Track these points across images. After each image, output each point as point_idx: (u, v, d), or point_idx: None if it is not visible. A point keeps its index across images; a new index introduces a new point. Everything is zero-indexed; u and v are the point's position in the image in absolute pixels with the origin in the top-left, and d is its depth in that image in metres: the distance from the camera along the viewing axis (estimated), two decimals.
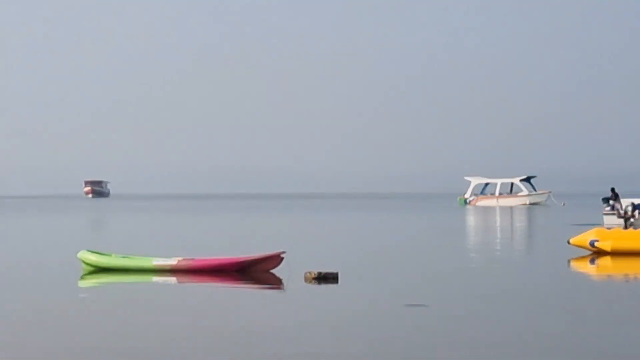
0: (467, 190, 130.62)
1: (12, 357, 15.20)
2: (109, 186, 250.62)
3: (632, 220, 52.49)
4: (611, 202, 57.04)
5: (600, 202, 62.57)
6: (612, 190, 57.48)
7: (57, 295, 25.01)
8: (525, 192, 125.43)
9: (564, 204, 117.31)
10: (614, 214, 56.87)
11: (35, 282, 28.70)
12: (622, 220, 53.53)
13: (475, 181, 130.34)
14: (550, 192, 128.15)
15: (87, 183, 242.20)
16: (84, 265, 30.81)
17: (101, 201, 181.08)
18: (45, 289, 26.42)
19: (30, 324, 19.35)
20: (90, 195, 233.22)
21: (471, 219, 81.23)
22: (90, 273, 29.77)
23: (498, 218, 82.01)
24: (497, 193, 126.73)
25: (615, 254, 36.37)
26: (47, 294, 25.37)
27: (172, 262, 29.93)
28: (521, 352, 15.64)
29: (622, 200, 57.15)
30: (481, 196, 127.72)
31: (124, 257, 31.09)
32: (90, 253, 31.33)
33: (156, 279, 28.21)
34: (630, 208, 55.54)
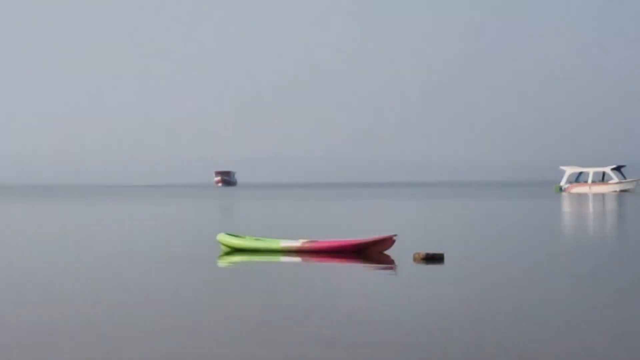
0: (562, 178, 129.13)
1: (166, 316, 16.02)
2: (236, 176, 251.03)
3: None
4: None
5: None
6: None
7: (201, 272, 25.83)
8: (615, 180, 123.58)
9: None
10: None
11: (181, 260, 29.52)
12: None
13: (570, 170, 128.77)
14: (639, 179, 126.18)
15: (217, 173, 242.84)
16: (222, 247, 31.55)
17: (230, 189, 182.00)
18: (191, 266, 27.20)
19: (180, 292, 20.30)
20: (220, 185, 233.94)
21: (568, 204, 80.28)
22: (227, 253, 30.43)
23: (591, 204, 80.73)
24: (589, 181, 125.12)
25: None
26: (193, 270, 26.25)
27: (297, 243, 30.46)
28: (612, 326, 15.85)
29: None
30: (575, 184, 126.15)
31: (256, 239, 31.72)
32: (227, 236, 32.11)
33: (284, 258, 28.68)
34: None
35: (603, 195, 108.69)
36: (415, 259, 27.20)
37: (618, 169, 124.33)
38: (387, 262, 27.38)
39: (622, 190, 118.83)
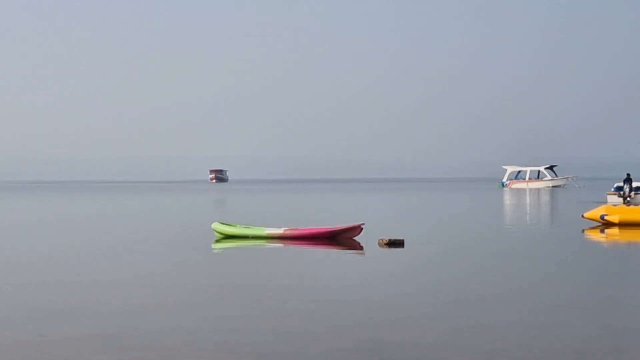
0: (504, 176, 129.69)
1: (171, 299, 16.31)
2: (227, 174, 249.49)
3: (629, 199, 51.98)
4: (625, 185, 56.17)
5: (612, 185, 61.85)
6: (628, 175, 56.71)
7: (195, 253, 26.18)
8: (548, 177, 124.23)
9: (579, 187, 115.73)
10: (615, 194, 56.34)
11: (182, 244, 29.81)
12: (621, 199, 53.06)
13: (510, 169, 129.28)
14: (570, 177, 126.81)
15: (211, 171, 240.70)
16: (216, 233, 31.72)
17: (222, 185, 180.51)
18: (190, 250, 27.40)
19: (183, 270, 20.61)
20: (214, 181, 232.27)
21: (509, 197, 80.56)
22: (220, 239, 30.56)
23: (528, 197, 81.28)
24: (527, 178, 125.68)
25: (621, 225, 36.48)
26: (189, 252, 26.52)
27: (279, 231, 30.66)
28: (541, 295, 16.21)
29: (633, 183, 56.37)
30: (515, 180, 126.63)
31: (245, 227, 31.91)
32: (220, 224, 32.34)
33: (268, 243, 28.83)
34: (627, 190, 55.05)
35: (538, 190, 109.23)
36: (379, 244, 27.33)
37: (551, 168, 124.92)
38: (356, 246, 27.54)
39: (554, 186, 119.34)
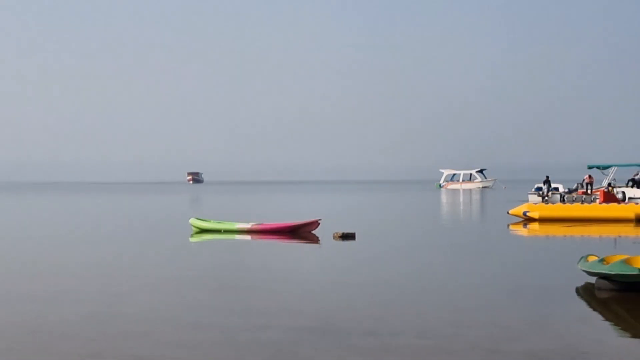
0: (441, 178, 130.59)
1: (151, 282, 16.20)
2: (203, 175, 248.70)
3: (547, 198, 52.48)
4: (543, 186, 56.77)
5: (533, 186, 62.48)
6: (547, 177, 57.27)
7: (176, 246, 25.93)
8: (479, 179, 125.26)
9: (505, 188, 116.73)
10: (535, 193, 56.89)
11: (163, 237, 29.82)
12: (540, 198, 53.59)
13: (446, 172, 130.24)
14: (495, 179, 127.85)
15: (189, 174, 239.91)
16: (192, 228, 31.62)
17: (198, 186, 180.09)
18: (169, 242, 27.29)
19: (160, 261, 20.40)
20: (190, 182, 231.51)
21: (445, 197, 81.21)
22: (197, 233, 30.39)
23: (461, 197, 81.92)
24: (460, 180, 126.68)
25: (541, 220, 36.83)
26: (170, 244, 26.34)
27: (248, 225, 30.65)
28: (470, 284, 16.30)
29: (551, 185, 57.02)
30: (451, 182, 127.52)
31: (218, 222, 31.85)
32: (196, 219, 32.29)
33: (238, 236, 28.77)
34: (545, 190, 55.65)
35: (470, 190, 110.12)
36: (334, 237, 27.37)
37: (481, 171, 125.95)
38: (314, 239, 27.51)
39: (483, 187, 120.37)
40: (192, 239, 28.32)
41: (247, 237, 28.60)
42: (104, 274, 17.96)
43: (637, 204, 38.65)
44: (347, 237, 27.37)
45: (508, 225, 34.71)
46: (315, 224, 30.49)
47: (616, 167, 58.06)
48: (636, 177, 54.69)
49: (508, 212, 39.69)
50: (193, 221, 32.34)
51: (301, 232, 29.70)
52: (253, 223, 31.10)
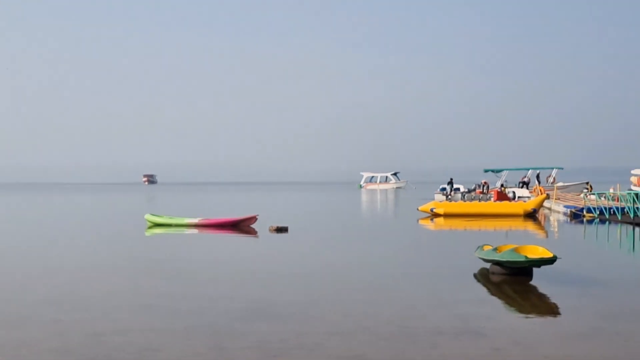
0: (362, 180, 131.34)
1: (111, 270, 15.98)
2: (157, 177, 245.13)
3: (450, 197, 53.18)
4: (447, 187, 57.46)
5: (439, 187, 63.28)
6: (451, 179, 58.04)
7: (133, 238, 25.58)
8: (394, 181, 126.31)
9: (415, 188, 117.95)
10: (440, 193, 57.61)
11: (120, 231, 29.26)
12: (444, 197, 54.28)
13: (366, 174, 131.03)
14: (407, 181, 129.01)
15: (144, 176, 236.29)
16: (147, 223, 31.28)
17: (153, 187, 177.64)
18: (126, 235, 26.89)
19: (119, 252, 20.11)
20: (146, 183, 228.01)
21: (365, 196, 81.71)
22: (151, 227, 30.05)
23: (379, 196, 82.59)
24: (378, 181, 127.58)
25: (445, 215, 37.36)
26: (127, 237, 25.95)
27: (195, 220, 30.45)
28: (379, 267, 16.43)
29: (454, 185, 57.78)
30: (370, 183, 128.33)
31: (170, 217, 31.62)
32: (151, 215, 32.04)
33: (187, 230, 28.53)
34: (449, 190, 56.43)
35: (386, 190, 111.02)
36: (269, 230, 27.43)
37: (395, 174, 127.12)
38: (252, 232, 27.45)
39: (397, 187, 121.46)
40: (147, 232, 27.99)
41: (195, 230, 28.37)
42: (67, 263, 17.67)
43: (525, 202, 39.47)
44: (281, 230, 27.43)
45: (418, 220, 35.07)
46: (253, 218, 30.49)
47: (507, 171, 59.33)
48: (524, 180, 55.91)
49: (418, 209, 40.23)
50: (148, 217, 32.11)
51: (241, 226, 29.64)
52: (200, 218, 30.95)
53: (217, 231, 28.03)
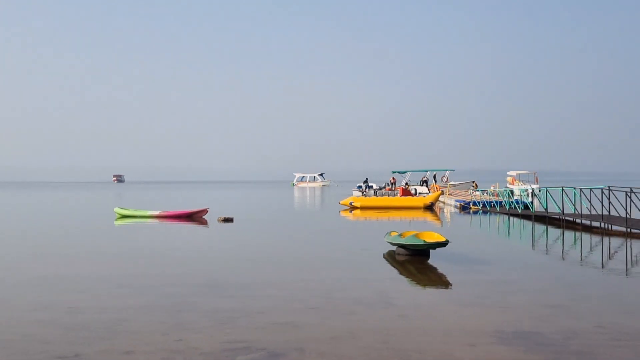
0: (294, 179, 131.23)
1: (85, 254, 15.61)
2: (125, 177, 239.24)
3: (364, 193, 53.62)
4: (363, 185, 57.88)
5: (356, 185, 63.80)
6: (366, 179, 58.52)
7: (104, 227, 24.94)
8: (320, 180, 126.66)
9: (337, 186, 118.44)
10: (357, 190, 57.96)
11: (93, 221, 28.41)
12: (360, 193, 54.72)
13: (298, 174, 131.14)
14: (331, 180, 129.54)
15: (114, 175, 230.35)
16: (116, 215, 30.63)
17: (121, 185, 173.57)
18: (98, 225, 26.19)
19: (92, 239, 19.62)
20: (115, 182, 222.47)
21: (297, 193, 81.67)
22: (120, 218, 29.43)
23: (308, 192, 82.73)
24: (308, 180, 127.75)
25: (362, 208, 37.71)
26: (99, 226, 25.28)
27: (157, 212, 29.96)
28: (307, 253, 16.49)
29: (369, 184, 58.31)
30: (301, 182, 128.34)
31: (135, 210, 31.03)
32: (119, 208, 31.36)
33: (149, 220, 28.03)
34: (364, 187, 56.92)
35: (314, 188, 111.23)
36: (218, 220, 27.22)
37: (321, 174, 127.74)
38: (204, 222, 27.17)
39: (323, 186, 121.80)
40: (116, 223, 27.42)
41: (156, 221, 27.92)
42: (46, 250, 17.18)
43: (424, 197, 40.23)
44: (228, 220, 27.25)
45: (339, 212, 35.31)
46: (205, 211, 30.21)
47: (410, 172, 60.26)
48: (424, 179, 56.86)
49: (339, 203, 40.49)
50: (117, 209, 31.46)
51: (195, 217, 29.31)
52: (160, 211, 30.47)
53: (174, 221, 27.62)
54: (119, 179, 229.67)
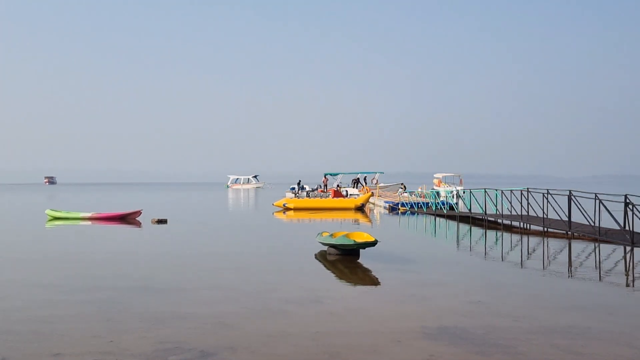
0: (228, 181, 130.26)
1: (15, 256, 15.02)
2: (56, 179, 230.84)
3: (297, 194, 53.72)
4: (296, 187, 57.95)
5: (290, 186, 63.82)
6: (299, 181, 58.53)
7: (35, 230, 24.08)
8: (254, 182, 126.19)
9: (271, 187, 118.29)
10: (290, 191, 58.06)
11: (24, 223, 27.38)
12: (293, 195, 54.78)
13: (232, 176, 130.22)
14: (265, 182, 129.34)
15: (45, 177, 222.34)
16: (48, 217, 29.64)
17: (53, 187, 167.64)
18: (29, 227, 25.27)
19: (22, 241, 18.88)
20: (46, 184, 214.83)
21: (230, 194, 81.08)
22: (51, 220, 28.47)
23: (242, 194, 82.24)
24: (242, 183, 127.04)
25: (295, 209, 37.80)
26: (30, 229, 24.39)
27: (89, 214, 29.18)
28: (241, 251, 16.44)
29: (302, 185, 58.44)
30: (235, 184, 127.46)
31: (67, 212, 30.13)
32: (51, 210, 30.40)
33: (82, 222, 27.25)
34: (297, 189, 57.04)
35: (248, 190, 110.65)
36: (152, 222, 26.81)
37: (255, 177, 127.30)
38: (137, 223, 26.70)
39: (257, 187, 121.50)
40: (47, 225, 26.51)
41: (89, 222, 27.17)
42: None
43: (355, 198, 40.64)
44: (161, 221, 26.86)
45: (273, 213, 35.28)
46: (138, 212, 29.65)
47: (342, 175, 60.82)
48: (354, 180, 57.42)
49: (273, 204, 40.45)
50: (48, 211, 30.46)
51: (128, 219, 28.73)
52: (93, 213, 29.69)
53: (107, 223, 26.98)
54: (51, 180, 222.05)
